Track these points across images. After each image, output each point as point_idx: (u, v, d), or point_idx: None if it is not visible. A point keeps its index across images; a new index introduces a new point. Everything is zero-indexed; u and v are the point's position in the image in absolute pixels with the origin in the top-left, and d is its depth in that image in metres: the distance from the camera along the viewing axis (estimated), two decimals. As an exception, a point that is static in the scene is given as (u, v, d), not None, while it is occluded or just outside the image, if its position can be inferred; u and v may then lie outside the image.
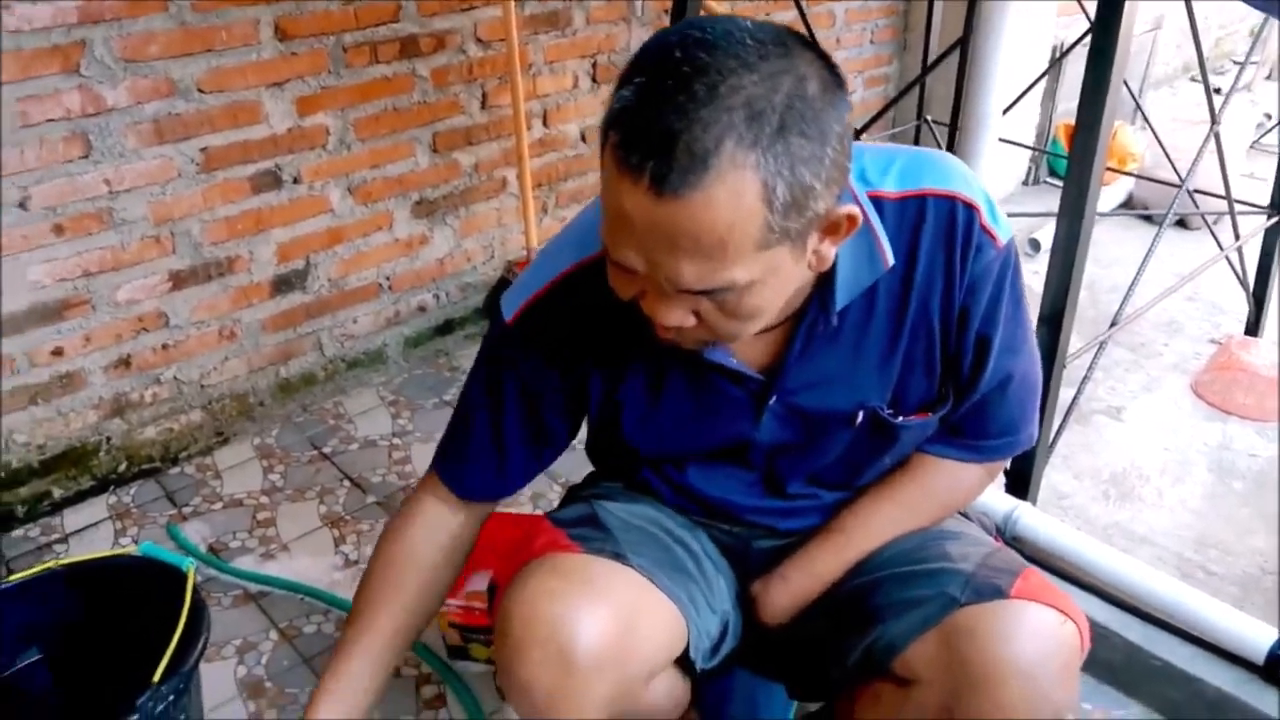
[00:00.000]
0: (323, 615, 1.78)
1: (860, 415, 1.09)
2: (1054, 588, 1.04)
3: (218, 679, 1.64)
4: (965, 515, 1.26)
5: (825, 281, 1.00)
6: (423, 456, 2.16)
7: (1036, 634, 0.98)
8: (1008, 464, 1.24)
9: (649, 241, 0.84)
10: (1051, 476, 2.09)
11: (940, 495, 1.19)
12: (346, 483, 2.10)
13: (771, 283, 0.88)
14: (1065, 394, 1.89)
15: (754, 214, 0.81)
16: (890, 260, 1.00)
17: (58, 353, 1.94)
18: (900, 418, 1.09)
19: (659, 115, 0.79)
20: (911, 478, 1.18)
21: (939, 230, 1.01)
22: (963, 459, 1.17)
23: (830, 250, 0.92)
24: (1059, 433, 1.94)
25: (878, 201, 1.00)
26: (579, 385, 1.13)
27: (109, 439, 2.07)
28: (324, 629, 1.75)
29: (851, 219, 0.90)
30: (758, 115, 0.79)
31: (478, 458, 1.17)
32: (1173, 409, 2.42)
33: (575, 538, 1.11)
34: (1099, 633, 1.57)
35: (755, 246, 0.84)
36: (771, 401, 1.08)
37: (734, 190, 0.80)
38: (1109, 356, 2.58)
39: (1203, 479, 2.18)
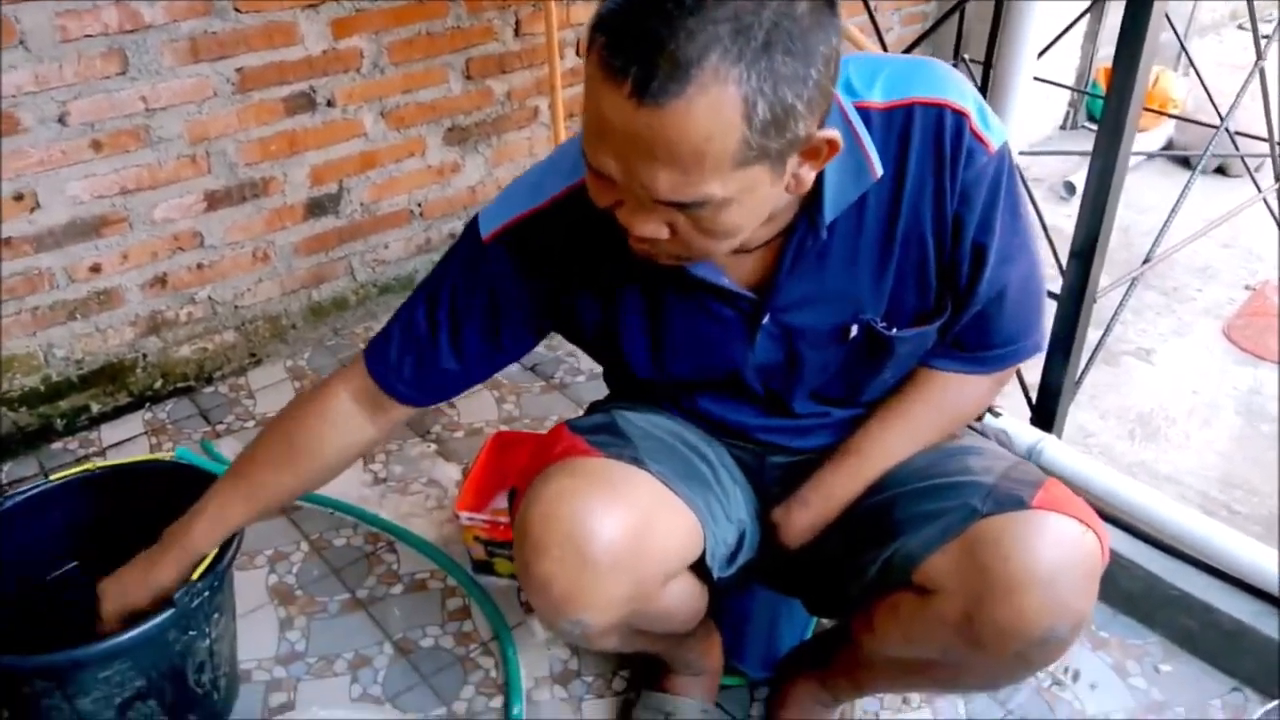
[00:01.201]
0: (351, 529, 1.81)
1: (854, 330, 1.09)
2: (1076, 499, 1.04)
3: (250, 586, 1.69)
4: (985, 435, 1.27)
5: (813, 197, 1.00)
6: (451, 381, 2.18)
7: (1058, 543, 0.99)
8: (1016, 371, 1.23)
9: (627, 148, 0.84)
10: (1077, 415, 2.09)
11: (950, 409, 1.19)
12: (376, 404, 2.13)
13: (747, 202, 0.88)
14: (1094, 334, 1.88)
15: (733, 129, 0.81)
16: (878, 171, 0.99)
17: (96, 269, 1.97)
18: (895, 330, 1.09)
19: (646, 21, 0.79)
20: (920, 394, 1.18)
21: (928, 139, 1.00)
22: (968, 371, 1.17)
23: (809, 174, 0.92)
24: (1085, 372, 1.93)
25: (864, 113, 0.99)
26: (556, 309, 1.14)
27: (145, 356, 2.11)
28: (353, 542, 1.79)
29: (832, 144, 0.89)
30: (744, 29, 0.79)
31: (420, 362, 1.16)
32: (1203, 353, 2.40)
33: (594, 444, 1.13)
34: (1119, 563, 1.58)
35: (732, 163, 0.83)
36: (765, 321, 1.08)
37: (714, 103, 0.79)
38: (1141, 300, 2.56)
39: (1231, 422, 2.17)
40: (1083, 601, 1.00)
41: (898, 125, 1.00)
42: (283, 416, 1.23)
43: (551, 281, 1.12)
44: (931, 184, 1.02)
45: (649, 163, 0.84)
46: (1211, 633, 1.52)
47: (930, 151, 1.00)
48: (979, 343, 1.15)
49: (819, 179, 0.97)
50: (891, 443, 1.17)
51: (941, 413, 1.19)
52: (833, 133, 0.89)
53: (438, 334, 1.15)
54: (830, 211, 1.00)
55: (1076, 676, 1.52)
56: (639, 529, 1.03)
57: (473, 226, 1.13)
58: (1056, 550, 0.99)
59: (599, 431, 1.16)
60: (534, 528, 1.03)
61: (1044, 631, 0.99)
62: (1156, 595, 1.57)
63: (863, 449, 1.18)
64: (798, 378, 1.14)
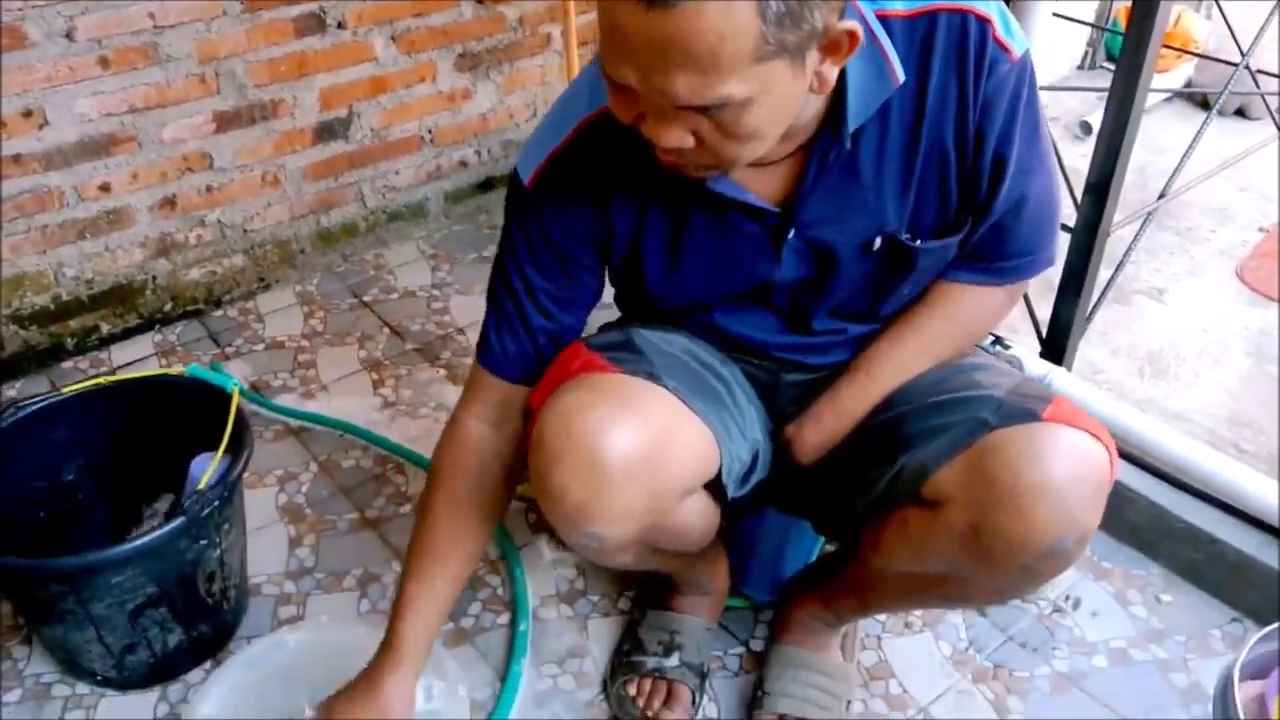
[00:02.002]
0: (361, 451, 1.83)
1: (878, 242, 1.09)
2: (1085, 414, 1.04)
3: (260, 504, 1.70)
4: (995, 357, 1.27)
5: (835, 107, 0.99)
6: (461, 308, 2.19)
7: (1068, 456, 0.99)
8: (1027, 301, 1.23)
9: (642, 55, 0.83)
10: (1088, 352, 2.09)
11: (963, 321, 1.19)
12: (386, 330, 2.13)
13: (768, 101, 0.87)
14: (1106, 273, 1.87)
15: (747, 24, 0.80)
16: (901, 77, 0.98)
17: (105, 188, 1.97)
18: (918, 242, 1.09)
19: None
20: (933, 308, 1.18)
21: (950, 46, 0.99)
22: (983, 283, 1.17)
23: (832, 71, 0.91)
24: (1096, 307, 1.92)
25: (886, 21, 0.98)
26: (605, 236, 1.14)
27: (155, 278, 2.11)
28: (362, 463, 1.80)
29: (853, 36, 0.88)
30: None
31: (523, 336, 1.18)
32: (1215, 293, 2.39)
33: (611, 360, 1.13)
34: (1124, 494, 1.59)
35: (750, 59, 0.82)
36: (790, 236, 1.08)
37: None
38: (1155, 240, 2.54)
39: (1241, 362, 2.16)
40: (1090, 514, 1.00)
41: (920, 31, 0.99)
42: (433, 477, 1.22)
43: (592, 208, 1.11)
44: (955, 92, 1.01)
45: (666, 67, 0.83)
46: (1215, 564, 1.53)
47: (953, 59, 0.99)
48: (995, 253, 1.14)
49: (841, 87, 0.96)
50: (905, 357, 1.17)
51: (955, 326, 1.18)
52: (852, 24, 0.87)
53: (521, 302, 1.16)
54: (854, 120, 0.99)
55: (1077, 604, 1.53)
56: (655, 443, 1.03)
57: (514, 180, 1.14)
58: (1066, 462, 0.99)
59: (615, 349, 1.16)
60: (550, 440, 1.03)
61: (1051, 543, 0.99)
62: (1161, 527, 1.57)
63: (875, 365, 1.18)
64: (821, 293, 1.14)
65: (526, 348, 1.18)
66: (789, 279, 1.13)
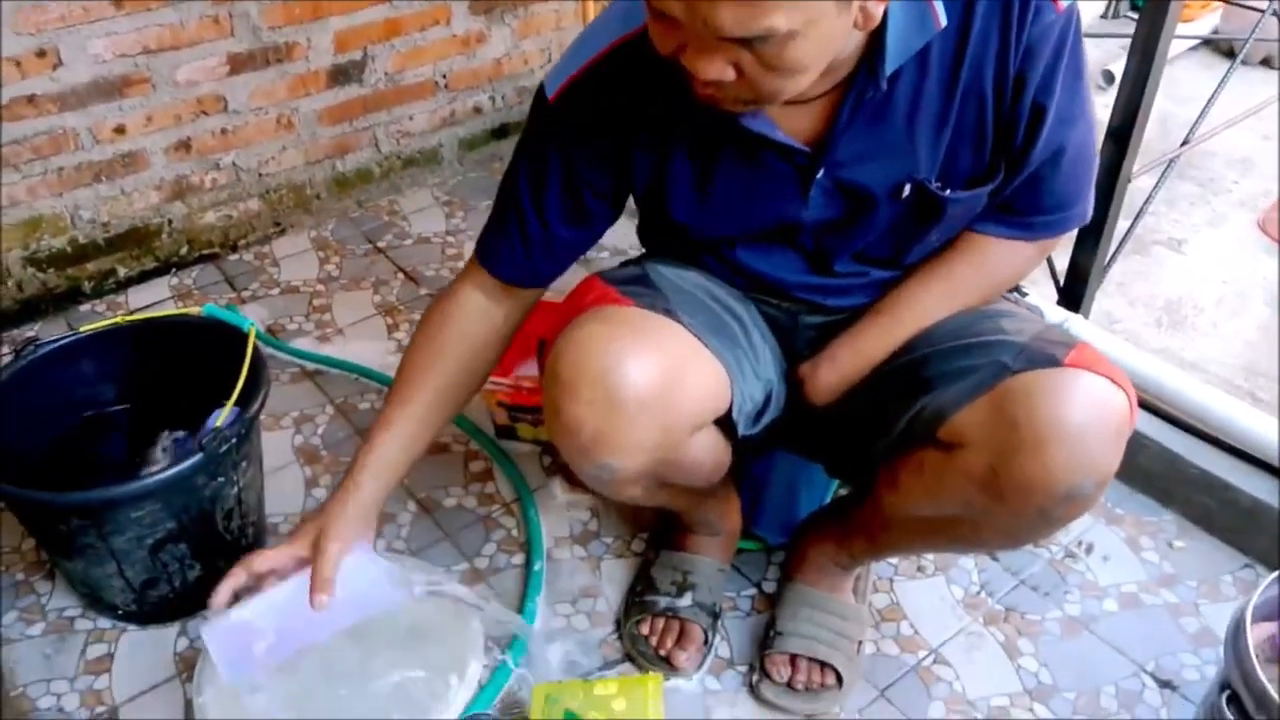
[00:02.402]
0: (376, 394, 1.83)
1: (908, 189, 1.07)
2: (1107, 360, 1.04)
3: (276, 445, 1.71)
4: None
5: (873, 47, 0.98)
6: (475, 254, 2.18)
7: (1089, 401, 0.99)
8: (1059, 243, 1.22)
9: None
10: (1104, 302, 2.08)
11: (991, 274, 1.18)
12: (400, 275, 2.14)
13: (813, 35, 0.86)
14: (1124, 223, 1.85)
15: None
16: (942, 21, 0.97)
17: (120, 130, 1.96)
18: (948, 191, 1.08)
19: None
20: (962, 257, 1.17)
21: None
22: (1014, 236, 1.16)
23: (877, 9, 0.90)
24: (1115, 256, 1.91)
25: None
26: (623, 164, 1.13)
27: (170, 221, 2.12)
28: (377, 406, 1.80)
29: None
30: None
31: (520, 243, 1.18)
32: (1235, 244, 2.37)
33: (626, 294, 1.13)
34: (1138, 441, 1.58)
35: None
36: (819, 176, 1.07)
37: None
38: (1176, 190, 2.52)
39: (1259, 312, 2.15)
40: (1109, 459, 1.00)
41: None
42: (422, 323, 1.22)
43: (614, 133, 1.11)
44: (996, 39, 0.99)
45: None
46: (1228, 511, 1.52)
47: (997, 5, 0.98)
48: (1029, 206, 1.13)
49: (880, 27, 0.94)
50: (928, 303, 1.17)
51: (982, 277, 1.18)
52: None
53: (525, 211, 1.16)
54: (892, 61, 0.98)
55: (1090, 549, 1.54)
56: (670, 376, 1.04)
57: (539, 94, 1.13)
58: (1087, 407, 0.98)
59: (631, 283, 1.16)
60: (565, 370, 1.03)
61: (1068, 487, 0.99)
62: (1175, 473, 1.57)
63: (898, 308, 1.17)
64: (846, 236, 1.13)
65: (519, 253, 1.18)
66: (815, 219, 1.12)
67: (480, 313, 1.21)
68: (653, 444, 1.05)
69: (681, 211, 1.15)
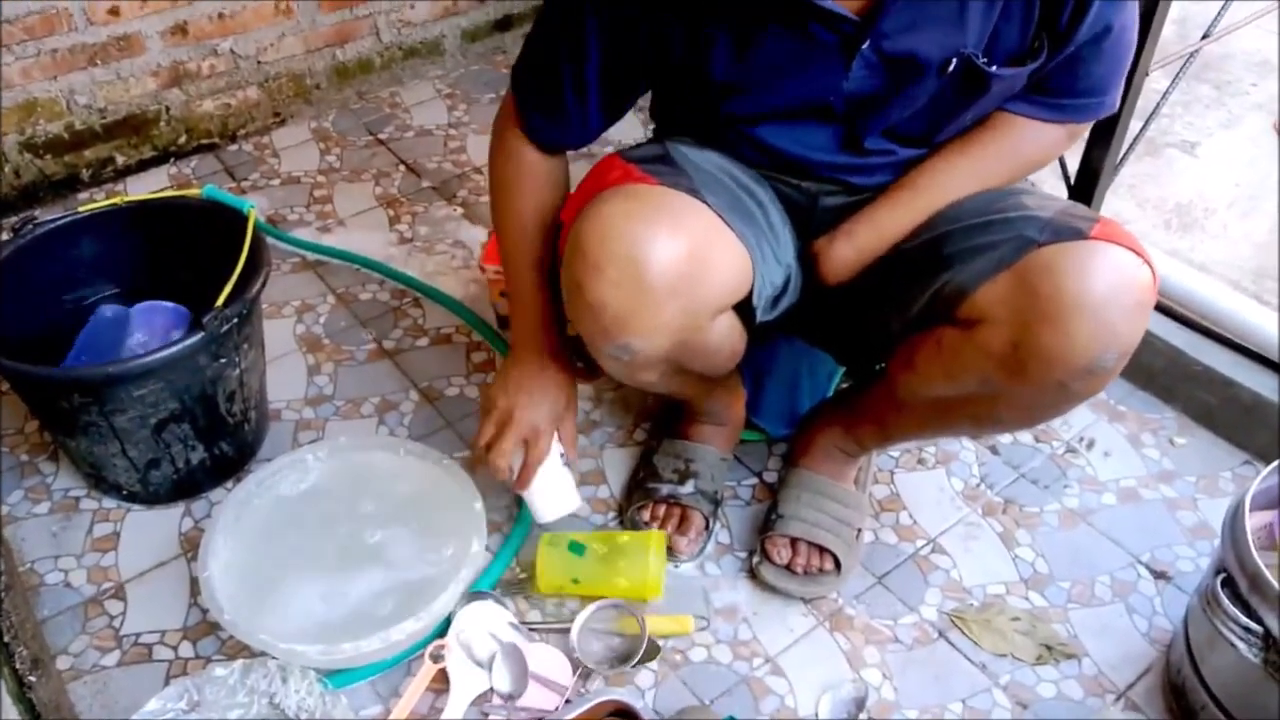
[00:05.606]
0: (377, 285, 1.82)
1: (954, 63, 1.04)
2: (1131, 235, 1.02)
3: (278, 333, 1.71)
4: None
5: None
6: (478, 147, 2.15)
7: (1113, 272, 0.97)
8: (1087, 130, 1.19)
9: None
10: (1115, 204, 2.05)
11: (1016, 154, 1.16)
12: (402, 167, 2.11)
13: None
14: (1137, 124, 1.82)
15: None
16: None
17: (114, 12, 1.92)
18: (994, 68, 1.05)
19: None
20: (989, 135, 1.15)
21: None
22: (1044, 118, 1.13)
23: None
24: (1126, 156, 1.88)
25: None
26: (662, 26, 1.09)
27: (168, 109, 2.08)
28: (379, 297, 1.80)
29: None
30: None
31: (562, 109, 1.16)
32: (1250, 147, 2.33)
33: (650, 172, 1.10)
34: (1142, 338, 1.57)
35: None
36: (864, 47, 1.03)
37: None
38: (1192, 92, 2.47)
39: (1271, 215, 2.12)
40: (1132, 331, 0.99)
41: None
42: (508, 193, 1.25)
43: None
44: None
45: None
46: (1230, 407, 1.52)
47: None
48: (1062, 87, 1.11)
49: None
50: (952, 180, 1.14)
51: (1008, 156, 1.15)
52: None
53: (564, 85, 1.15)
54: None
55: (1091, 445, 1.54)
56: (695, 257, 1.02)
57: None
58: (1111, 278, 0.97)
59: (654, 162, 1.14)
60: (591, 247, 1.01)
61: (1090, 360, 0.99)
62: (1178, 370, 1.57)
63: (920, 184, 1.15)
64: (882, 110, 1.10)
65: (587, 125, 1.20)
66: (854, 92, 1.08)
67: (544, 173, 1.24)
68: (676, 326, 1.04)
69: (720, 74, 1.10)
